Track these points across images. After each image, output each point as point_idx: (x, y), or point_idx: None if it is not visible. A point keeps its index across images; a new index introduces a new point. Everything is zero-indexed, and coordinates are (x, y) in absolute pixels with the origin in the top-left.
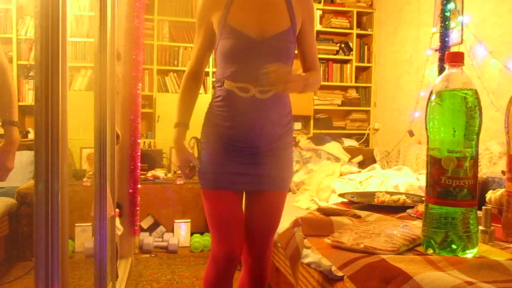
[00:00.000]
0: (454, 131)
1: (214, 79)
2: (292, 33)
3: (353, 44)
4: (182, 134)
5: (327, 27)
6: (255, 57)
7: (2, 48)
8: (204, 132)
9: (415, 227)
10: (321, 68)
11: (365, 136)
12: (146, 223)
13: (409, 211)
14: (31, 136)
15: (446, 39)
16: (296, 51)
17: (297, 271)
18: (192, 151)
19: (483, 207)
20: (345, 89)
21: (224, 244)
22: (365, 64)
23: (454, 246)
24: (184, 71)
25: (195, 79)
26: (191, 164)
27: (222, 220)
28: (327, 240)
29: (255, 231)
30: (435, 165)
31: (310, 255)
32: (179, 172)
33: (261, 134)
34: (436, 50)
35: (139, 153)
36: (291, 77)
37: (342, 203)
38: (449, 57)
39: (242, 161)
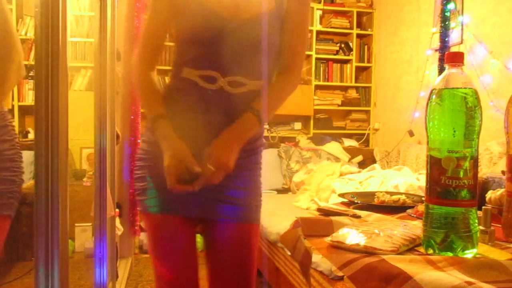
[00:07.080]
0: (454, 131)
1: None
2: (276, 16)
3: (353, 44)
4: (169, 125)
5: (327, 27)
6: (226, 41)
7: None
8: (146, 138)
9: (415, 227)
10: (321, 68)
11: (365, 136)
12: None
13: (409, 211)
14: (31, 136)
15: (446, 39)
16: None
17: (309, 276)
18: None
19: (483, 207)
20: (345, 89)
21: None
22: (365, 64)
23: (454, 246)
24: None
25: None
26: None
27: (168, 255)
28: (327, 240)
29: (218, 278)
30: (435, 165)
31: None
32: None
33: None
34: (436, 50)
35: None
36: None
37: (342, 203)
38: (449, 57)
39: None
